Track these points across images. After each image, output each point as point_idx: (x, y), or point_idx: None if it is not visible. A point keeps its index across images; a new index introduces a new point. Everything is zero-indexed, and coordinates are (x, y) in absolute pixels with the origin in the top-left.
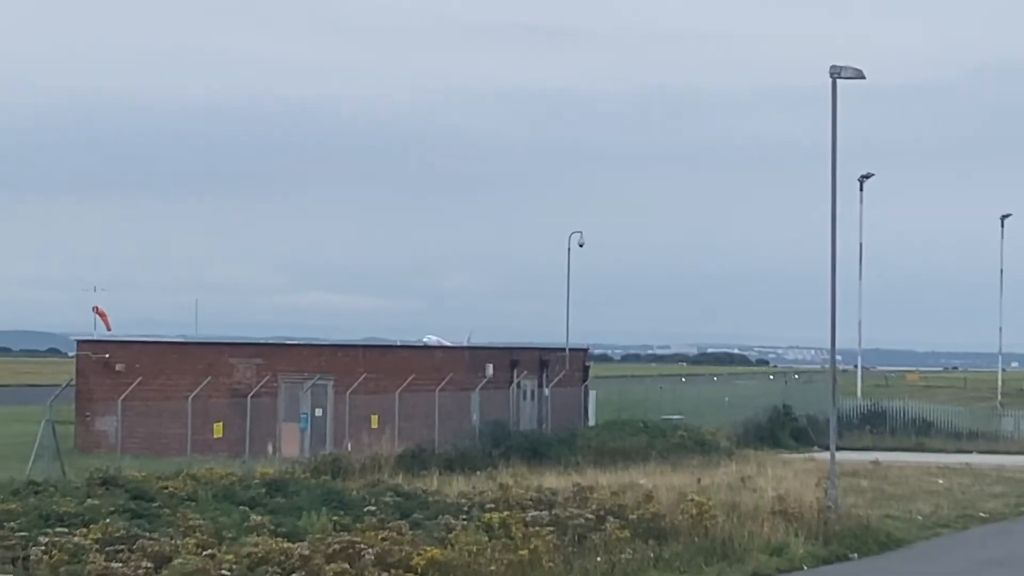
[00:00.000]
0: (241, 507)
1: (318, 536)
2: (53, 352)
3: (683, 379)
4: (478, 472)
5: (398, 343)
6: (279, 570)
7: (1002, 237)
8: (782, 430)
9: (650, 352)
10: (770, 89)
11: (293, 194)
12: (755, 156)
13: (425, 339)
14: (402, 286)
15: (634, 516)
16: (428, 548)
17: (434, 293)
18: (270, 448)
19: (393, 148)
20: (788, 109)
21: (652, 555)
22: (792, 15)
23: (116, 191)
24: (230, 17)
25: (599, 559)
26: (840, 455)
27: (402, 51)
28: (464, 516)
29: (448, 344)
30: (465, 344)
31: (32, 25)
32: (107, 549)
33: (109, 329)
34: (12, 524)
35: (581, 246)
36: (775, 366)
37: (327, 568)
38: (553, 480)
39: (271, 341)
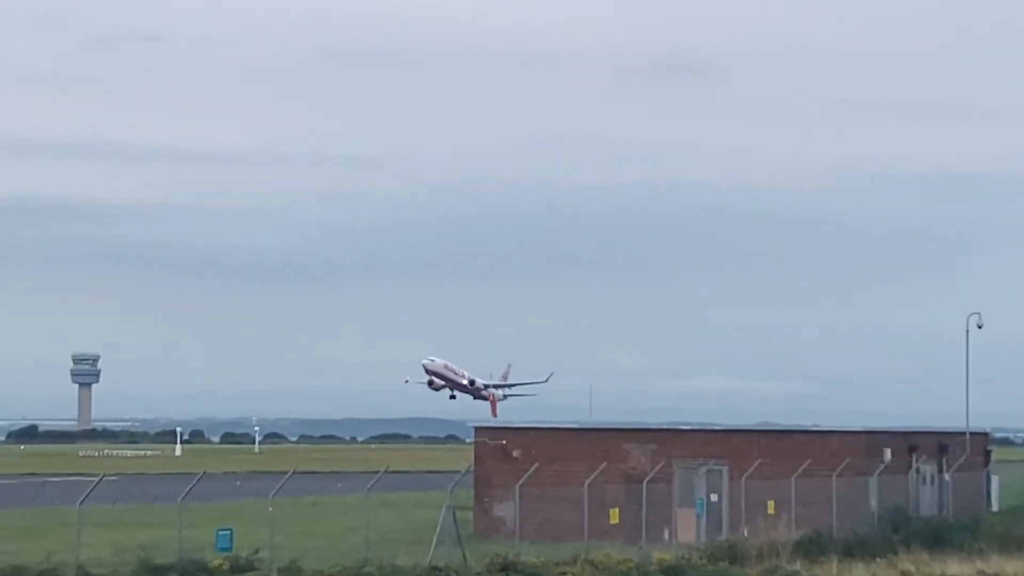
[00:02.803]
0: None
1: None
2: (451, 438)
3: None
4: (878, 559)
5: (793, 428)
6: None
7: None
8: None
9: None
10: None
11: (682, 278)
12: None
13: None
14: (795, 369)
15: None
16: None
17: (828, 376)
18: (666, 534)
19: (780, 231)
20: None
21: None
22: None
23: (509, 278)
24: (605, 102)
25: None
26: None
27: (785, 133)
28: None
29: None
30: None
31: (401, 118)
32: None
33: (495, 415)
34: None
35: (980, 327)
36: None
37: None
38: (956, 567)
39: (665, 427)
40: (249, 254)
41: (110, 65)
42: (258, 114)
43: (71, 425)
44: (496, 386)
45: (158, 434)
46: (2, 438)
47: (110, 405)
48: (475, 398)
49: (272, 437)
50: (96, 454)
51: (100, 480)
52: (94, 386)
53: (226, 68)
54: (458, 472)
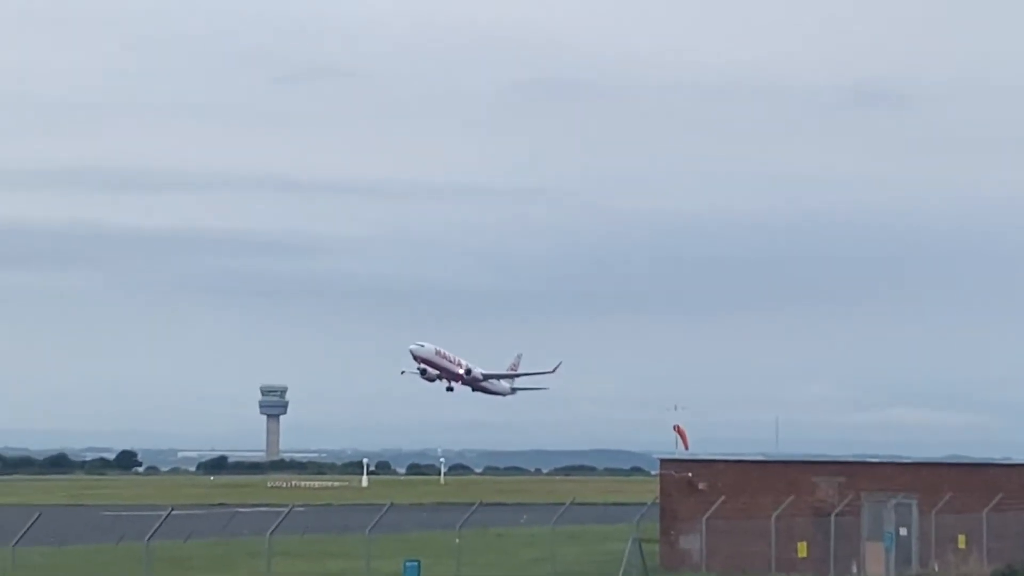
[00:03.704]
0: None
1: None
2: (636, 471)
3: None
4: None
5: (984, 460)
6: None
7: None
8: None
9: None
10: None
11: (870, 309)
12: None
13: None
14: (987, 401)
15: None
16: None
17: (1020, 407)
18: (854, 567)
19: (971, 261)
20: None
21: None
22: None
23: (692, 309)
24: (793, 133)
25: None
26: None
27: (982, 164)
28: None
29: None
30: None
31: (579, 149)
32: None
33: (687, 448)
34: None
35: None
36: None
37: None
38: None
39: (853, 459)
40: (435, 285)
41: (300, 100)
42: (444, 147)
43: (259, 456)
44: (499, 376)
45: (345, 465)
46: (192, 469)
47: (297, 436)
48: (474, 389)
49: (457, 468)
50: (284, 485)
51: (289, 511)
52: (282, 417)
53: (412, 102)
54: (644, 504)
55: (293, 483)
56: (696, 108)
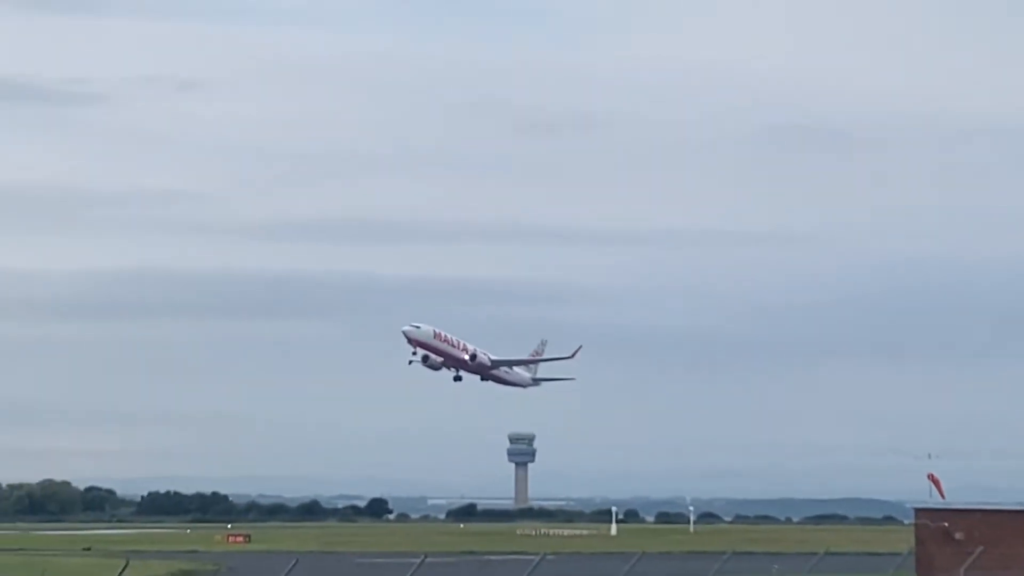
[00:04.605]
0: None
1: None
2: (889, 520)
3: None
4: None
5: None
6: None
7: None
8: None
9: None
10: None
11: None
12: None
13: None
14: None
15: None
16: None
17: None
18: None
19: None
20: None
21: None
22: None
23: (947, 355)
24: None
25: None
26: None
27: None
28: None
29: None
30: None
31: (826, 195)
32: None
33: (943, 497)
34: None
35: None
36: None
37: None
38: None
39: None
40: (679, 333)
41: (543, 149)
42: (698, 194)
43: (508, 504)
44: (512, 363)
45: (593, 513)
46: (442, 517)
47: (546, 484)
48: (483, 378)
49: (706, 517)
50: (533, 533)
51: (541, 559)
52: (530, 465)
53: (659, 150)
54: (899, 554)
55: (542, 531)
56: (950, 151)
